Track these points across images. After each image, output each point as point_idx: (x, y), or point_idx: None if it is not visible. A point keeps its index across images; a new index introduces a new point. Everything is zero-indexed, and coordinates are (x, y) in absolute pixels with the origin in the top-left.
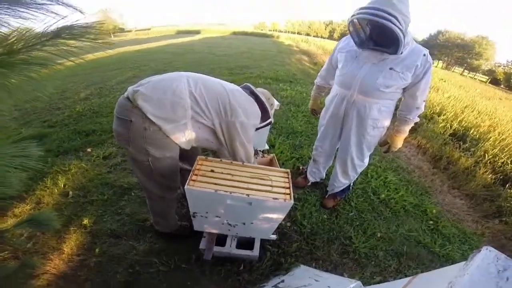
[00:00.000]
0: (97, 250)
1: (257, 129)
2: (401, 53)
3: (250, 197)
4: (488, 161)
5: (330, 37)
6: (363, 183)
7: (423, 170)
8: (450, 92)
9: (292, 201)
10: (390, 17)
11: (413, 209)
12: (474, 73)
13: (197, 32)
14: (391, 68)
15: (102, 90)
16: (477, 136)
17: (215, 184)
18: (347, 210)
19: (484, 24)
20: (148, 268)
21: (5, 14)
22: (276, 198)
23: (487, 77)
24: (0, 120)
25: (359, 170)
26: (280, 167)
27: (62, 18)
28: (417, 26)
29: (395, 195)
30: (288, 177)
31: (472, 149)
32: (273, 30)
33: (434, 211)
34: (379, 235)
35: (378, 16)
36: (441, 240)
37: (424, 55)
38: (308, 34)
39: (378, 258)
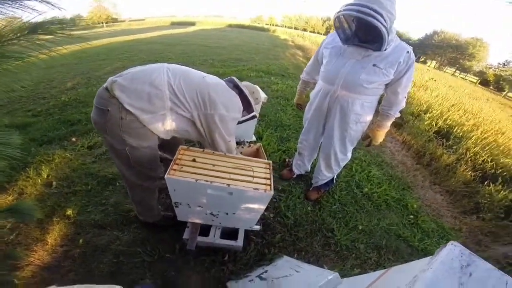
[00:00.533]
0: (81, 240)
1: (239, 122)
2: (385, 50)
3: (230, 187)
4: (469, 159)
5: (327, 33)
6: (347, 176)
7: (407, 166)
8: (439, 91)
9: (272, 192)
10: (375, 14)
11: (394, 203)
12: (465, 74)
13: (192, 23)
14: (374, 65)
15: (90, 80)
16: (461, 134)
17: (196, 174)
18: (330, 203)
19: (483, 23)
20: (132, 258)
21: None
22: (256, 189)
23: (477, 78)
24: None
25: (342, 164)
26: (267, 158)
27: (39, 14)
28: (415, 24)
29: (378, 189)
30: (269, 168)
31: (455, 147)
32: (270, 24)
33: (415, 205)
34: (360, 228)
35: (363, 13)
36: (421, 234)
37: (408, 52)
38: (305, 30)
39: (359, 251)
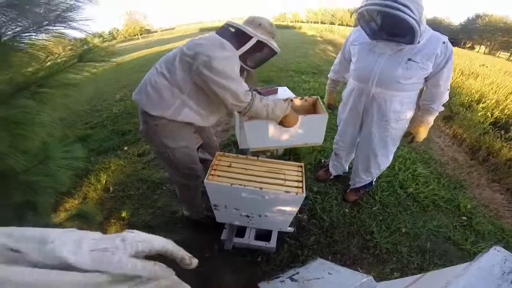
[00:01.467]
0: None
1: (242, 56)
2: (418, 43)
3: (263, 190)
4: None
5: (357, 24)
6: (389, 176)
7: (459, 162)
8: (492, 78)
9: (303, 194)
10: (402, 7)
11: (444, 203)
12: None
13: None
14: (409, 59)
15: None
16: None
17: (231, 178)
18: (370, 204)
19: None
20: None
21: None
22: (288, 192)
23: None
24: (52, 128)
25: (383, 167)
26: (301, 159)
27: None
28: (454, 9)
29: (424, 189)
30: (301, 171)
31: None
32: (295, 21)
33: (468, 206)
34: (404, 230)
35: (389, 6)
36: (474, 237)
37: (444, 42)
38: (332, 23)
39: (400, 254)
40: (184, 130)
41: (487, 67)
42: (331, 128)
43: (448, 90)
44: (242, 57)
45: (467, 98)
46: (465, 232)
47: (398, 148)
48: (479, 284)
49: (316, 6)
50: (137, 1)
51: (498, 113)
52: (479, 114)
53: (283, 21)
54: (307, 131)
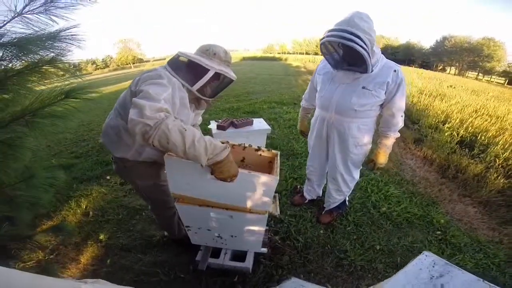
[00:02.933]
0: (108, 261)
1: (199, 89)
2: (372, 71)
3: (229, 211)
4: (500, 165)
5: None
6: (362, 198)
7: (430, 181)
8: (457, 98)
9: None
10: (352, 37)
11: (417, 220)
12: (490, 76)
13: None
14: (363, 87)
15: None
16: (486, 141)
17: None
18: (344, 225)
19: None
20: (151, 277)
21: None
22: (253, 212)
23: (504, 79)
24: (38, 152)
25: (351, 185)
26: (277, 186)
27: (69, 84)
28: (425, 32)
29: (397, 207)
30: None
31: (482, 155)
32: (282, 53)
33: (442, 221)
34: (378, 248)
35: (342, 37)
36: (450, 250)
37: (395, 71)
38: (316, 53)
39: (376, 270)
40: (151, 169)
41: (454, 87)
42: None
43: (402, 116)
44: (200, 89)
45: (434, 120)
46: (440, 245)
47: (371, 171)
48: None
49: (301, 37)
50: (134, 29)
51: (463, 131)
52: (446, 134)
53: (270, 53)
54: (249, 193)
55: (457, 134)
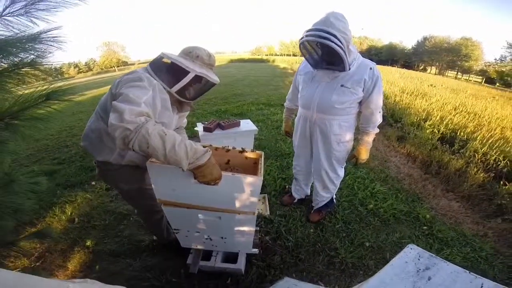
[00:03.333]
0: (97, 267)
1: (179, 91)
2: (349, 69)
3: (218, 212)
4: (479, 160)
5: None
6: (349, 195)
7: (414, 177)
8: (437, 96)
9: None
10: (328, 36)
11: (404, 216)
12: (468, 75)
13: None
14: (342, 85)
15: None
16: (465, 137)
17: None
18: (333, 223)
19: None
20: (142, 282)
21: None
22: (243, 212)
23: (481, 77)
24: (19, 159)
25: (337, 182)
26: (266, 187)
27: (51, 85)
28: (407, 33)
29: (383, 204)
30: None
31: (462, 151)
32: (269, 54)
33: (427, 216)
34: (367, 244)
35: (319, 36)
36: (438, 244)
37: (371, 68)
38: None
39: (367, 267)
40: (135, 173)
41: (435, 86)
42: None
43: (380, 112)
44: (179, 92)
45: (416, 118)
46: (428, 240)
47: (357, 169)
48: (393, 282)
49: (288, 39)
50: (118, 32)
51: (443, 128)
52: (427, 132)
53: (258, 55)
54: (236, 195)
55: (438, 131)
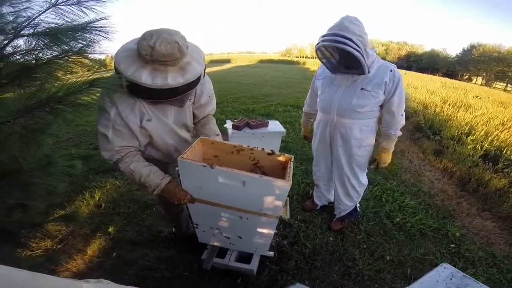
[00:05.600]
0: (114, 254)
1: (138, 96)
2: (369, 72)
3: (241, 213)
4: None
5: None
6: (376, 207)
7: (448, 194)
8: (483, 109)
9: (290, 182)
10: (345, 40)
11: (431, 232)
12: None
13: (227, 61)
14: (362, 88)
15: None
16: None
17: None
18: (355, 233)
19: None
20: (154, 273)
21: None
22: (265, 214)
23: None
24: (59, 142)
25: (360, 191)
26: (289, 190)
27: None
28: (450, 40)
29: (411, 218)
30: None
31: (506, 170)
32: (300, 57)
33: (457, 234)
34: (388, 258)
35: (335, 41)
36: (463, 263)
37: (391, 70)
38: None
39: (384, 281)
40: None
41: (480, 98)
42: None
43: (402, 115)
44: (138, 96)
45: (457, 131)
46: (453, 259)
47: (386, 181)
48: None
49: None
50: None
51: (487, 145)
52: (468, 147)
53: (288, 56)
54: (261, 198)
55: (481, 148)
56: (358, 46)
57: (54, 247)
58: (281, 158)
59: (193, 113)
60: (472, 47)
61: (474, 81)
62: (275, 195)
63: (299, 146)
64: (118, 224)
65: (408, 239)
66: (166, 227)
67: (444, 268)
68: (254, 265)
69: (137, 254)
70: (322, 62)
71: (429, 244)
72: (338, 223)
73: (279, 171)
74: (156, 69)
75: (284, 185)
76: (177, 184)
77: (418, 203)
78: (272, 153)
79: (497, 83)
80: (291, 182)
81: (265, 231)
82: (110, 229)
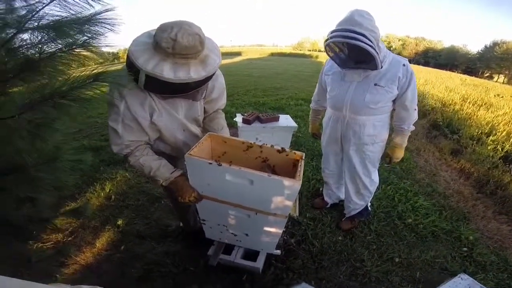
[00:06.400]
0: (122, 247)
1: (150, 90)
2: (381, 67)
3: (250, 212)
4: None
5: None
6: (388, 207)
7: (464, 195)
8: (505, 109)
9: (300, 181)
10: (357, 36)
11: (444, 235)
12: None
13: (238, 53)
14: (375, 84)
15: None
16: None
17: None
18: (364, 233)
19: None
20: (160, 268)
21: None
22: (274, 214)
23: None
24: (65, 136)
25: (372, 189)
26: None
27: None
28: (470, 37)
29: (424, 220)
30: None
31: None
32: (313, 50)
33: (471, 237)
34: (397, 260)
35: (347, 37)
36: (473, 267)
37: (404, 65)
38: None
39: (391, 284)
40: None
41: (502, 97)
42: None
43: (415, 109)
44: (149, 90)
45: (477, 131)
46: (463, 263)
47: (401, 181)
48: None
49: None
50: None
51: (509, 146)
52: (488, 148)
53: (300, 50)
54: (270, 197)
55: (502, 149)
56: (371, 42)
57: (64, 239)
58: (292, 156)
59: (203, 107)
60: (495, 44)
61: (495, 79)
62: (284, 195)
63: (310, 141)
64: (127, 217)
65: (419, 241)
66: (174, 221)
67: (462, 279)
68: (260, 263)
69: (145, 248)
70: (330, 57)
71: (440, 246)
72: (348, 222)
73: (290, 169)
74: (177, 62)
75: (294, 185)
76: (186, 179)
77: (432, 204)
78: (283, 150)
79: None
80: (301, 181)
81: (273, 230)
82: (119, 222)
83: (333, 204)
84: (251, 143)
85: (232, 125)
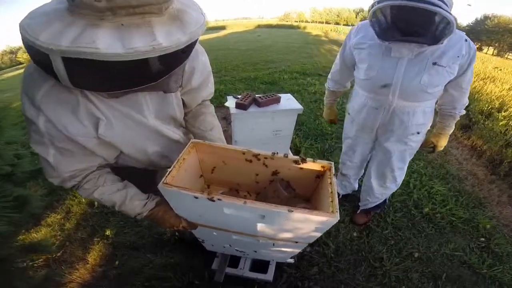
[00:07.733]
0: (117, 262)
1: (76, 86)
2: (442, 43)
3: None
4: None
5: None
6: (403, 195)
7: (478, 177)
8: (511, 82)
9: (337, 215)
10: (437, 2)
11: (462, 224)
12: None
13: (223, 27)
14: (435, 63)
15: None
16: None
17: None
18: (381, 227)
19: None
20: (163, 283)
21: None
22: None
23: None
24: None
25: (399, 180)
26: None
27: None
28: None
29: (441, 208)
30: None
31: None
32: (300, 21)
33: (488, 226)
34: (416, 255)
35: (424, 1)
36: (491, 259)
37: (466, 40)
38: (337, 23)
39: (411, 281)
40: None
41: (501, 70)
42: (340, 139)
43: (468, 91)
44: (75, 85)
45: (486, 106)
46: (482, 254)
47: (413, 162)
48: None
49: (321, 6)
50: None
51: None
52: (500, 124)
53: (287, 21)
54: (291, 230)
55: None
56: (449, 8)
57: (53, 256)
58: (313, 166)
59: (182, 100)
60: (486, 17)
61: (484, 51)
62: (313, 228)
63: (311, 119)
64: (115, 226)
65: (437, 232)
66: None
67: None
68: (270, 275)
69: (141, 261)
70: (372, 26)
71: (459, 238)
72: (363, 216)
73: (311, 183)
74: (124, 24)
75: (328, 221)
76: (167, 209)
77: (447, 189)
78: (301, 161)
79: (510, 54)
80: (338, 214)
81: (289, 250)
82: (108, 232)
83: (345, 195)
84: (251, 152)
85: (222, 104)
